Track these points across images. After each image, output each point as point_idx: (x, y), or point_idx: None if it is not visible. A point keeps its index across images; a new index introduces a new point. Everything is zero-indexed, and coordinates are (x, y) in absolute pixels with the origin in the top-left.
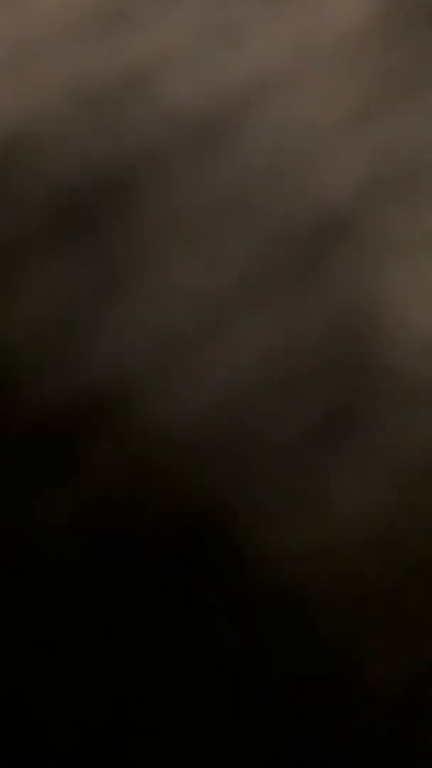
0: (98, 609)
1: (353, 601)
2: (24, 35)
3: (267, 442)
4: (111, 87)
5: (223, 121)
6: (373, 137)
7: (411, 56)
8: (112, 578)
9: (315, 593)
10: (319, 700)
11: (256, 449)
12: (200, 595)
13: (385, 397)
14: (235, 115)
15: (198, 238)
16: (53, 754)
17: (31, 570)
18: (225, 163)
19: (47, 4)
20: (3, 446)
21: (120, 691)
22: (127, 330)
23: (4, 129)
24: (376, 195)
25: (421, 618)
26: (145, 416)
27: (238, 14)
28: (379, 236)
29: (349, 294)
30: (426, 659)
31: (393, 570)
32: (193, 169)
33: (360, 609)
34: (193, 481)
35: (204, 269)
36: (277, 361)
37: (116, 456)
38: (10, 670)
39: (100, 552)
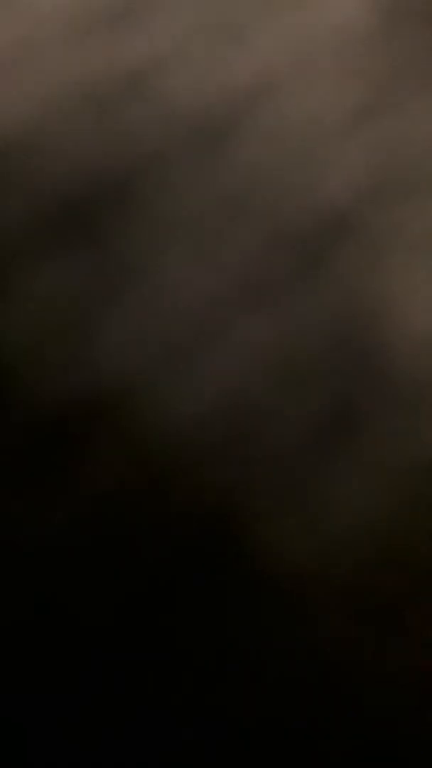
0: (98, 609)
1: (353, 602)
2: (24, 35)
3: (267, 442)
4: (111, 87)
5: (224, 121)
6: (374, 137)
7: (411, 56)
8: (112, 578)
9: (315, 594)
10: (316, 704)
11: (257, 450)
12: (200, 596)
13: (386, 397)
14: (235, 115)
15: (198, 237)
16: (53, 755)
17: (30, 570)
18: (225, 163)
19: (47, 4)
20: (2, 446)
21: (120, 690)
22: (127, 330)
23: (3, 129)
24: (376, 195)
25: (422, 620)
26: (146, 417)
27: (238, 14)
28: (380, 236)
29: (350, 294)
30: (426, 663)
31: (393, 570)
32: (193, 169)
33: (360, 610)
34: (193, 481)
35: (204, 269)
36: (278, 361)
37: (116, 457)
38: (10, 669)
39: (100, 552)
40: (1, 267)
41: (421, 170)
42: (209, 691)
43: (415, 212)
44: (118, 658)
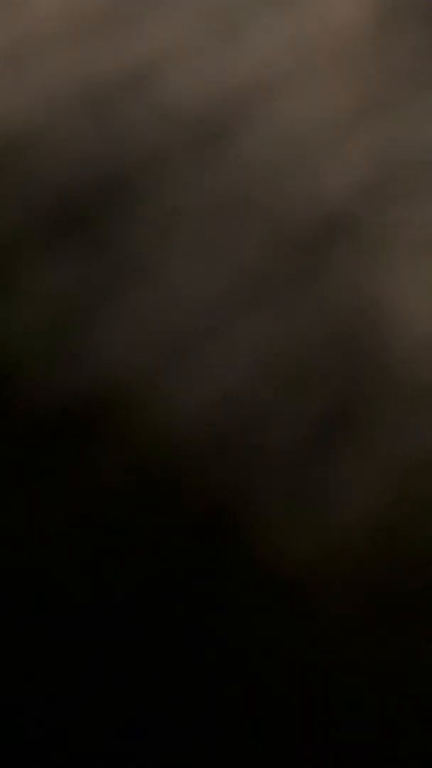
0: (97, 608)
1: (354, 602)
2: (23, 35)
3: (268, 442)
4: (111, 87)
5: (224, 121)
6: (374, 137)
7: (411, 56)
8: (112, 578)
9: (315, 594)
10: (317, 703)
11: (257, 449)
12: (200, 596)
13: (386, 397)
14: (235, 115)
15: (198, 237)
16: (53, 755)
17: (30, 570)
18: (226, 163)
19: (47, 4)
20: (2, 446)
21: (120, 690)
22: (127, 329)
23: (3, 129)
24: (377, 195)
25: (423, 618)
26: (146, 416)
27: (238, 14)
28: (381, 236)
29: (351, 294)
30: (426, 660)
31: (394, 569)
32: (193, 169)
33: (361, 610)
34: (194, 481)
35: (204, 269)
36: (278, 360)
37: (116, 457)
38: (9, 671)
39: (99, 551)
40: (1, 266)
41: (421, 170)
42: (209, 691)
43: (415, 212)
44: (118, 657)
